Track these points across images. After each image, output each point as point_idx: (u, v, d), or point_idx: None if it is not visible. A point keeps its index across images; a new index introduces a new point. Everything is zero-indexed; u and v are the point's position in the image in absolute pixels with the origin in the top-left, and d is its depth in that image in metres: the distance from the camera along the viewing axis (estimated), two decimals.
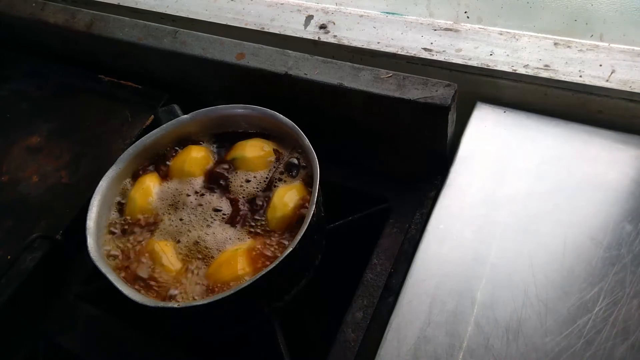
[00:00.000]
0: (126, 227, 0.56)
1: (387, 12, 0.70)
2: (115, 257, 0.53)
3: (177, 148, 0.61)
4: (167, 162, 0.60)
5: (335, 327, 0.54)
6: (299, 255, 0.48)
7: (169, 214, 0.56)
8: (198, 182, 0.57)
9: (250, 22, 0.74)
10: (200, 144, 0.61)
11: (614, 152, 0.55)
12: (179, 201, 0.56)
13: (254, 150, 0.57)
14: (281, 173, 0.56)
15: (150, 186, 0.57)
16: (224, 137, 0.61)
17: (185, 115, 0.61)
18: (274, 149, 0.57)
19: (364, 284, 0.56)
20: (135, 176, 0.59)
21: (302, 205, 0.52)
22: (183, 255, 0.52)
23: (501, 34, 0.64)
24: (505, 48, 0.63)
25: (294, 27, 0.72)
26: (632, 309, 0.45)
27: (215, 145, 0.61)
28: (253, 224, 0.53)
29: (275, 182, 0.56)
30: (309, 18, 0.72)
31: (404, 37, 0.67)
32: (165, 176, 0.59)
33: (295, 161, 0.56)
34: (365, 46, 0.67)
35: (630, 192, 0.52)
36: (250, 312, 0.52)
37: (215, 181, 0.57)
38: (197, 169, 0.58)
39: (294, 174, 0.56)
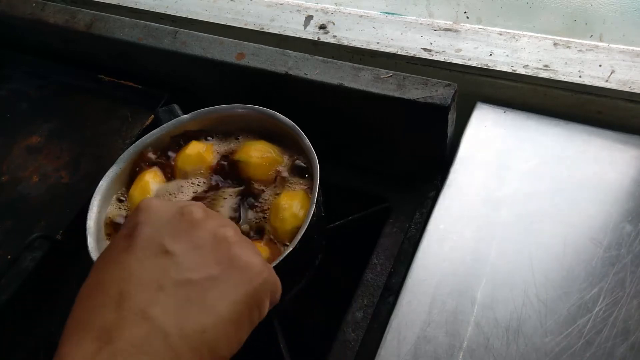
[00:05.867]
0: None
1: (386, 12, 0.70)
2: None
3: (181, 142, 0.60)
4: (171, 159, 0.59)
5: (335, 327, 0.54)
6: (299, 255, 0.48)
7: None
8: (200, 181, 0.57)
9: (250, 22, 0.74)
10: (208, 140, 0.60)
11: (613, 152, 0.55)
12: (178, 201, 0.56)
13: (259, 154, 0.57)
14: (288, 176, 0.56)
15: (149, 183, 0.56)
16: (230, 133, 0.61)
17: (186, 115, 0.61)
18: (274, 161, 0.57)
19: (364, 283, 0.56)
20: (136, 175, 0.59)
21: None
22: None
23: (501, 34, 0.64)
24: (505, 48, 0.63)
25: (293, 28, 0.72)
26: (632, 309, 0.45)
27: (220, 142, 0.61)
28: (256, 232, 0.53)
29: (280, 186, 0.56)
30: (309, 18, 0.73)
31: (404, 37, 0.67)
32: (170, 174, 0.58)
33: (300, 163, 0.56)
34: (364, 46, 0.68)
35: (630, 192, 0.52)
36: None
37: (217, 182, 0.57)
38: (199, 168, 0.58)
39: (305, 175, 0.56)
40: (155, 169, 0.58)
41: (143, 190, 0.56)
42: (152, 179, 0.57)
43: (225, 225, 0.36)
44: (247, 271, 0.33)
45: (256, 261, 0.34)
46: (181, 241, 0.33)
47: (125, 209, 0.57)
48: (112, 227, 0.55)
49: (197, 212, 0.35)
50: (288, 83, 0.62)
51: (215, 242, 0.33)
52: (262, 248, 0.51)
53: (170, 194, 0.56)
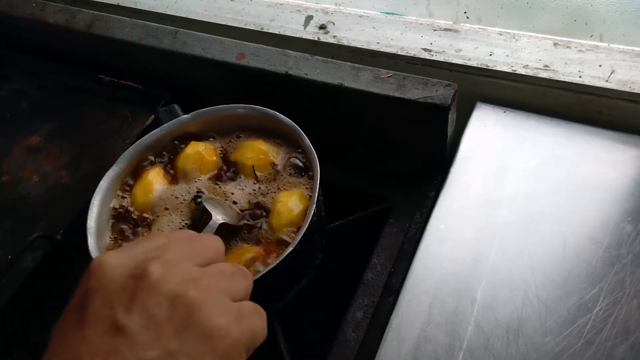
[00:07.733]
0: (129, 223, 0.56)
1: (386, 13, 0.70)
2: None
3: (177, 143, 0.60)
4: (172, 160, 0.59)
5: (335, 327, 0.54)
6: (299, 254, 0.48)
7: (170, 213, 0.56)
8: (201, 182, 0.57)
9: (250, 23, 0.74)
10: (209, 140, 0.60)
11: (614, 152, 0.55)
12: (181, 201, 0.56)
13: (254, 156, 0.57)
14: (288, 174, 0.56)
15: (152, 182, 0.57)
16: (230, 133, 0.61)
17: (186, 115, 0.61)
18: (271, 163, 0.57)
19: (364, 283, 0.56)
20: (136, 175, 0.59)
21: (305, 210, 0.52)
22: None
23: (501, 34, 0.64)
24: (505, 48, 0.63)
25: (293, 28, 0.72)
26: (632, 309, 0.45)
27: (220, 141, 0.60)
28: (256, 230, 0.53)
29: (278, 186, 0.56)
30: (309, 18, 0.73)
31: (404, 37, 0.67)
32: (174, 175, 0.58)
33: (300, 163, 0.56)
34: (365, 46, 0.68)
35: (630, 192, 0.52)
36: None
37: (217, 182, 0.57)
38: (199, 167, 0.58)
39: (302, 174, 0.56)
40: (158, 168, 0.58)
41: (146, 190, 0.56)
42: (155, 179, 0.57)
43: (188, 280, 0.31)
44: (209, 338, 0.29)
45: (220, 322, 0.30)
46: (135, 312, 0.29)
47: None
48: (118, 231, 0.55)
49: (154, 272, 0.30)
50: (288, 83, 0.62)
51: (172, 308, 0.29)
52: (256, 250, 0.51)
53: (176, 198, 0.56)
